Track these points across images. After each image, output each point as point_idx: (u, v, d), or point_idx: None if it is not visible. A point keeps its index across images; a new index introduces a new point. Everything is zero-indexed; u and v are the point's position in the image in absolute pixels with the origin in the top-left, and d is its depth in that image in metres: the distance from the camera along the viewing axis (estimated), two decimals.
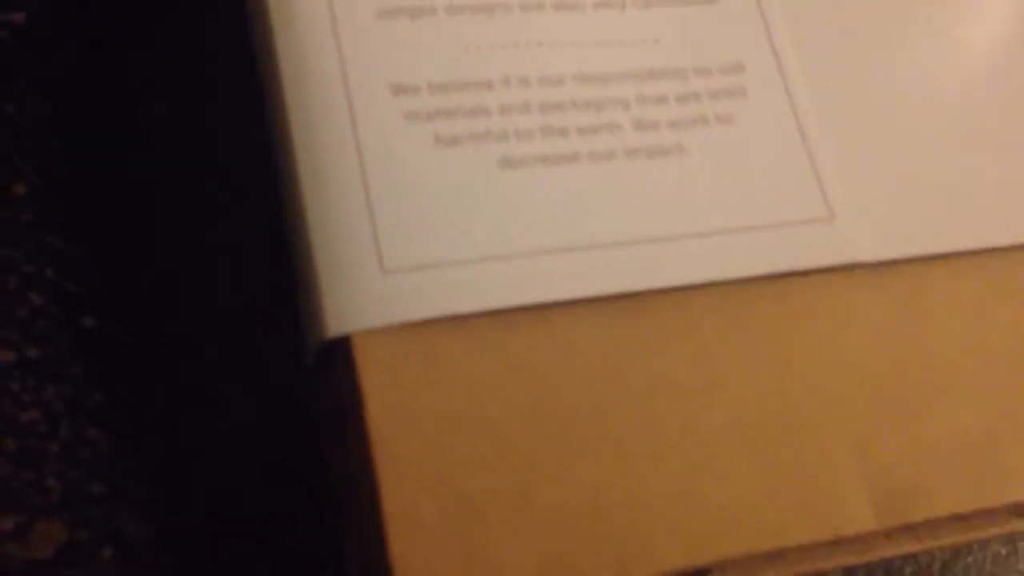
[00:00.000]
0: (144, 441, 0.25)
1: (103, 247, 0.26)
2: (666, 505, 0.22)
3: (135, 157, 0.27)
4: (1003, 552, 0.31)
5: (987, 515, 0.24)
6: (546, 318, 0.23)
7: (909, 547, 0.23)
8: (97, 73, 0.28)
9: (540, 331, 0.22)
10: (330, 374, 0.22)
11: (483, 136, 0.23)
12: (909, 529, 0.23)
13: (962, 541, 0.24)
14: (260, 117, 0.25)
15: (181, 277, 0.26)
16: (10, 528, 0.24)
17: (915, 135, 0.26)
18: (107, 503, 0.24)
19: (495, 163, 0.23)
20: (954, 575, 0.30)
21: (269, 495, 0.25)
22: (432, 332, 0.22)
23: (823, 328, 0.24)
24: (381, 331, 0.22)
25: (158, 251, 0.26)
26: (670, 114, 0.25)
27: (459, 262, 0.22)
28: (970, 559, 0.30)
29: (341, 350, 0.22)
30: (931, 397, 0.24)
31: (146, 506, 0.25)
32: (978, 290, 0.25)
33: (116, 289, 0.26)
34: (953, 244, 0.25)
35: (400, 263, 0.22)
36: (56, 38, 0.28)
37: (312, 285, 0.22)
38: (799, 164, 0.25)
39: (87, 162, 0.27)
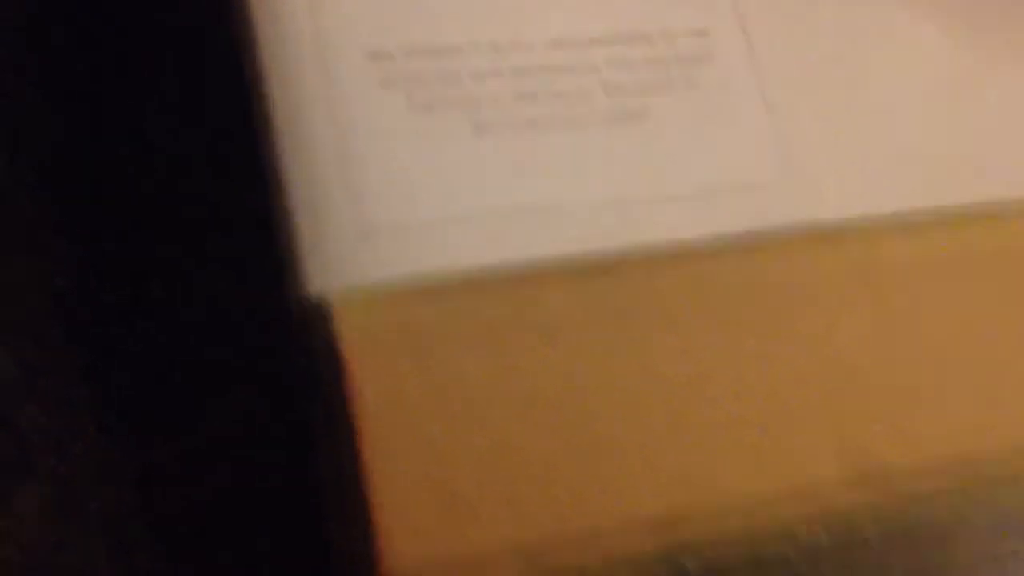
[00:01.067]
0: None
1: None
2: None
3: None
4: None
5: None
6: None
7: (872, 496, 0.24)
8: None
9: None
10: (310, 338, 0.23)
11: (456, 102, 0.24)
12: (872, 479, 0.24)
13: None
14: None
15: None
16: None
17: (878, 95, 0.27)
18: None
19: (469, 128, 0.24)
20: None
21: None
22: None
23: (785, 290, 0.25)
24: (360, 292, 0.22)
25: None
26: (637, 78, 0.25)
27: (434, 222, 0.23)
28: None
29: (321, 314, 0.22)
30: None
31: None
32: (936, 252, 0.26)
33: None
34: (914, 202, 0.26)
35: (378, 224, 0.22)
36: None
37: (293, 247, 0.22)
38: (761, 127, 0.25)
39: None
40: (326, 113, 0.23)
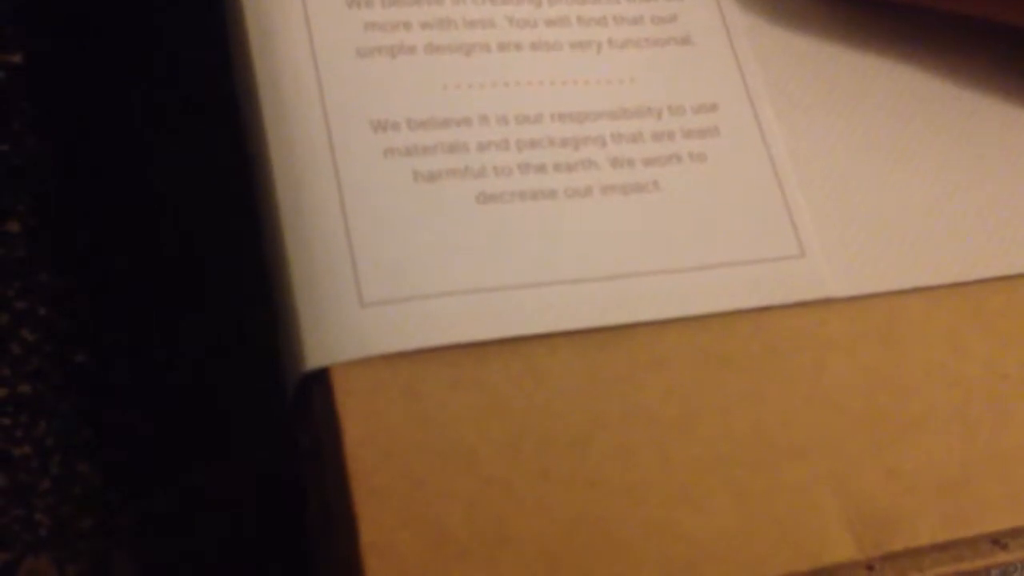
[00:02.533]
0: (135, 476, 0.25)
1: (95, 285, 0.27)
2: (643, 537, 0.22)
3: (129, 195, 0.27)
4: None
5: (969, 546, 0.24)
6: (523, 351, 0.23)
7: None
8: (93, 113, 0.28)
9: (517, 364, 0.23)
10: (309, 407, 0.23)
11: (461, 172, 0.24)
12: (890, 559, 0.23)
13: (946, 574, 0.24)
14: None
15: (174, 314, 0.27)
16: None
17: (886, 172, 0.26)
18: (96, 538, 0.25)
19: (473, 198, 0.23)
20: None
21: (260, 532, 0.25)
22: (410, 365, 0.22)
23: (798, 360, 0.24)
24: (359, 364, 0.22)
25: (151, 288, 0.27)
26: (645, 152, 0.25)
27: (437, 295, 0.22)
28: None
29: (320, 383, 0.22)
30: (907, 428, 0.24)
31: (135, 541, 0.25)
32: (952, 321, 0.26)
33: (108, 326, 0.26)
34: (923, 280, 0.25)
35: (378, 296, 0.22)
36: (53, 78, 0.28)
37: (291, 318, 0.22)
38: (771, 202, 0.25)
39: (81, 201, 0.27)
40: (329, 183, 0.23)
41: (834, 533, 0.23)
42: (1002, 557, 0.24)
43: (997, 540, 0.24)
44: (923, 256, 0.26)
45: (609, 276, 0.23)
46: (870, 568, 0.23)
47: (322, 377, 0.22)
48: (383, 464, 0.21)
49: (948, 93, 0.28)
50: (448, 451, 0.22)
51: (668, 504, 0.22)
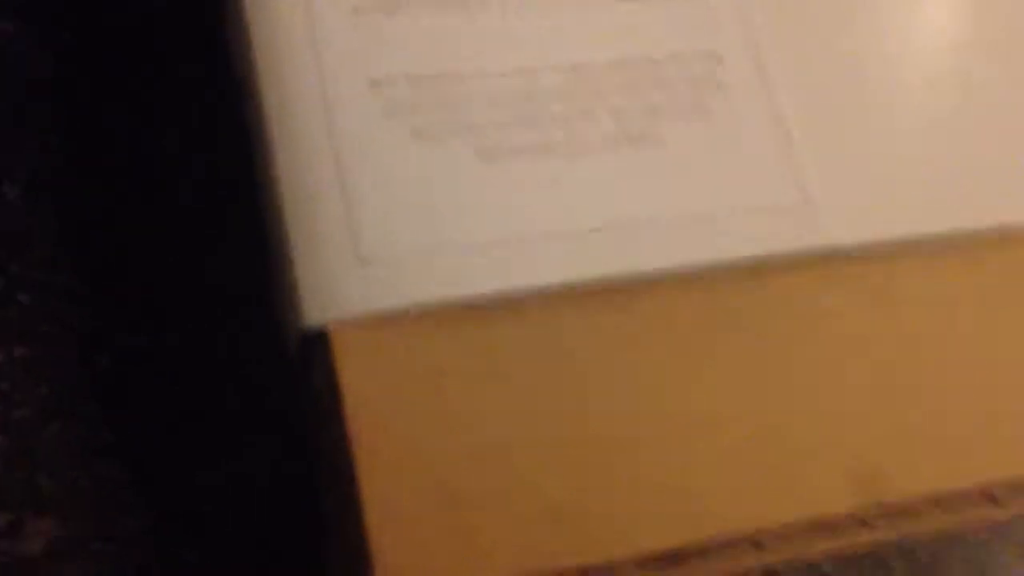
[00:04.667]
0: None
1: (92, 250, 0.26)
2: (645, 494, 0.22)
3: (128, 161, 0.27)
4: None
5: (962, 499, 0.24)
6: (524, 311, 0.23)
7: (887, 533, 0.23)
8: (89, 80, 0.28)
9: (518, 324, 0.23)
10: (310, 370, 0.23)
11: (461, 128, 0.23)
12: (885, 514, 0.23)
13: (940, 526, 0.24)
14: None
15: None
16: (2, 525, 0.24)
17: (892, 119, 0.26)
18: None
19: (473, 154, 0.23)
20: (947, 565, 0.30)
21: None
22: (411, 325, 0.22)
23: (798, 318, 0.24)
24: (359, 324, 0.22)
25: (150, 256, 0.27)
26: (647, 103, 0.25)
27: (436, 250, 0.22)
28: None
29: (320, 345, 0.22)
30: (903, 387, 0.24)
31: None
32: (948, 282, 0.25)
33: (108, 290, 0.26)
34: (929, 227, 0.25)
35: (377, 253, 0.22)
36: (45, 47, 0.28)
37: (289, 276, 0.22)
38: (776, 151, 0.25)
39: (79, 167, 0.27)
40: (327, 142, 0.23)
41: (832, 486, 0.23)
42: (994, 511, 0.25)
43: (989, 494, 0.25)
44: (928, 202, 0.26)
45: (610, 226, 0.23)
46: (864, 522, 0.23)
47: (322, 339, 0.22)
48: (384, 424, 0.21)
49: (960, 34, 0.28)
50: (449, 411, 0.22)
51: (667, 460, 0.22)
